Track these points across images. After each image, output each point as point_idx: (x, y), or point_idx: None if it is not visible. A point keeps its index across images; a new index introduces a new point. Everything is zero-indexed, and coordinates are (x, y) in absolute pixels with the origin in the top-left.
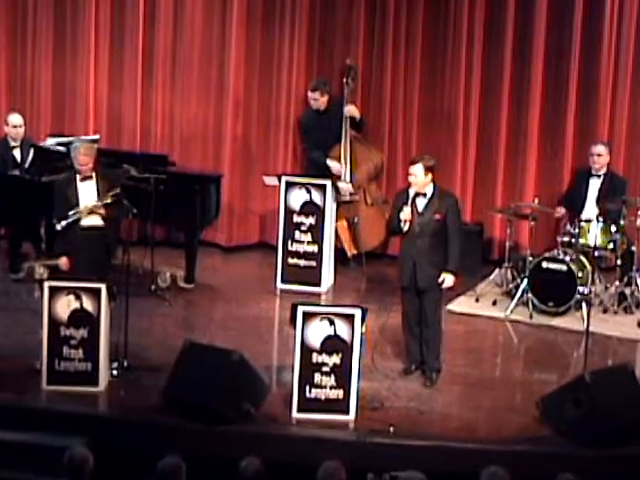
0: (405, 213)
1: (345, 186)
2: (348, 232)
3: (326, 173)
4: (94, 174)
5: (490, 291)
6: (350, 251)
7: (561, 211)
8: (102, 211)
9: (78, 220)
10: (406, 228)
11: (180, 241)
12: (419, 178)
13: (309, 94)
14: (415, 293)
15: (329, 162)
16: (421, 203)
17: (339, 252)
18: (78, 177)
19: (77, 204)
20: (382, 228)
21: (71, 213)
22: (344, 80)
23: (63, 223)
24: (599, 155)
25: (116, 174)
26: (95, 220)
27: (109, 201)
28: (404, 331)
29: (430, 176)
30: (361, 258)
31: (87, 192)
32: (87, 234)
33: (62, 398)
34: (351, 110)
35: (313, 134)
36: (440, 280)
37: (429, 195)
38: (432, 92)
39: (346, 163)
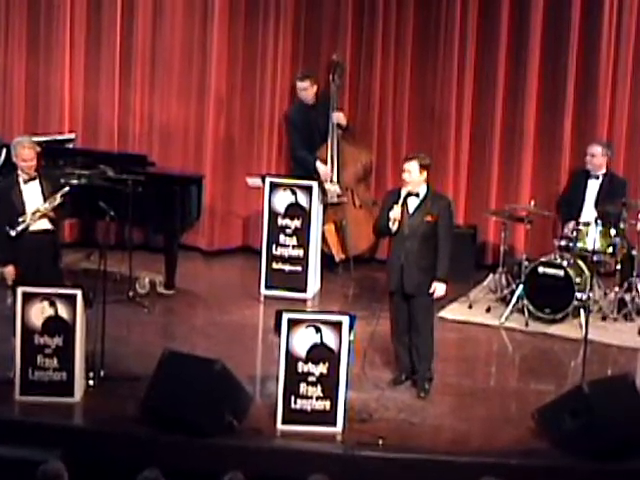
0: (395, 212)
1: (332, 188)
2: (336, 236)
3: (312, 174)
4: (37, 175)
5: (484, 297)
6: (338, 255)
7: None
8: (52, 214)
9: (28, 225)
10: (395, 228)
11: (159, 245)
12: (414, 175)
13: (298, 84)
14: (403, 298)
15: (318, 165)
16: (413, 203)
17: (326, 257)
18: (21, 179)
19: (23, 208)
20: (371, 230)
21: (22, 220)
22: (330, 77)
23: (18, 229)
24: (592, 156)
25: (58, 174)
26: (44, 224)
27: (59, 202)
28: (393, 339)
29: (425, 175)
30: (349, 263)
31: (32, 194)
32: (38, 238)
33: (36, 409)
34: (339, 117)
35: (300, 130)
36: (431, 290)
37: (422, 196)
38: (423, 90)
39: (333, 164)
